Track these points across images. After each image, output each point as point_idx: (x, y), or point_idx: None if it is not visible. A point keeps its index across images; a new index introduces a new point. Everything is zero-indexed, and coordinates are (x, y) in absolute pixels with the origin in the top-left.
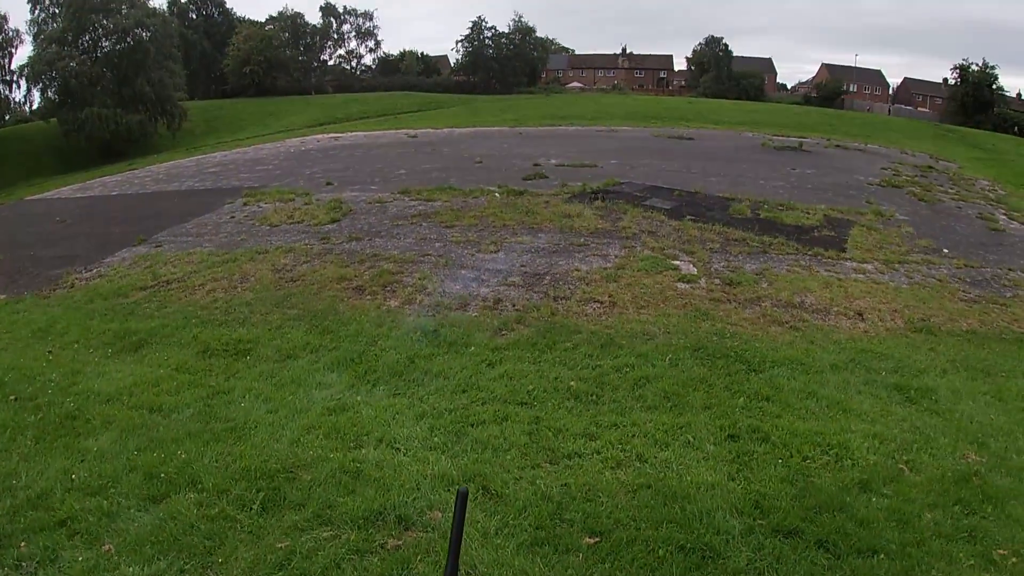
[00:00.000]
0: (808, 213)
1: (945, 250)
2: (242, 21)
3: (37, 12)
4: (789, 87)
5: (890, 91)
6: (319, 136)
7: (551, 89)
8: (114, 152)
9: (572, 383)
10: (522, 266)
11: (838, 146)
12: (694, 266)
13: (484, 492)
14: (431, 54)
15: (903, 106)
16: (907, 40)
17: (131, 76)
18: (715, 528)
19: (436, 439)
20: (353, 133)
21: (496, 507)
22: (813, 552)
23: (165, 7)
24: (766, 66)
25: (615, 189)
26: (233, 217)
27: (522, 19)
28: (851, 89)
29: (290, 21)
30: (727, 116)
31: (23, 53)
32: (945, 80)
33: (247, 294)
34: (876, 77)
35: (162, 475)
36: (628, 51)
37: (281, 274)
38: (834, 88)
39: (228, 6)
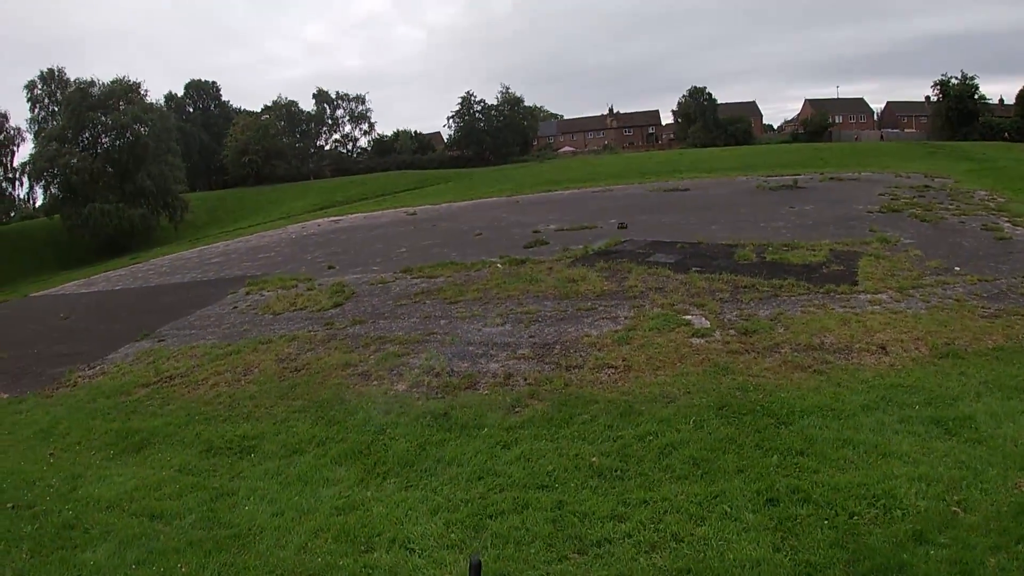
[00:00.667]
0: (813, 250)
1: (956, 268)
2: (238, 112)
3: (37, 110)
4: (776, 127)
5: (875, 117)
6: (319, 220)
7: (544, 155)
8: (118, 246)
9: (594, 459)
10: (530, 337)
11: (832, 178)
12: (706, 319)
13: None
14: (424, 132)
15: (890, 129)
16: (884, 65)
17: (132, 171)
18: None
19: (453, 535)
20: (353, 215)
21: None
22: None
23: (162, 102)
24: (751, 109)
25: (617, 249)
26: (236, 307)
27: (509, 90)
28: (837, 120)
29: (285, 109)
30: (719, 163)
31: (24, 151)
32: (927, 98)
33: (251, 387)
34: (860, 105)
35: None
36: (615, 110)
37: (285, 364)
38: (820, 122)
39: (224, 98)
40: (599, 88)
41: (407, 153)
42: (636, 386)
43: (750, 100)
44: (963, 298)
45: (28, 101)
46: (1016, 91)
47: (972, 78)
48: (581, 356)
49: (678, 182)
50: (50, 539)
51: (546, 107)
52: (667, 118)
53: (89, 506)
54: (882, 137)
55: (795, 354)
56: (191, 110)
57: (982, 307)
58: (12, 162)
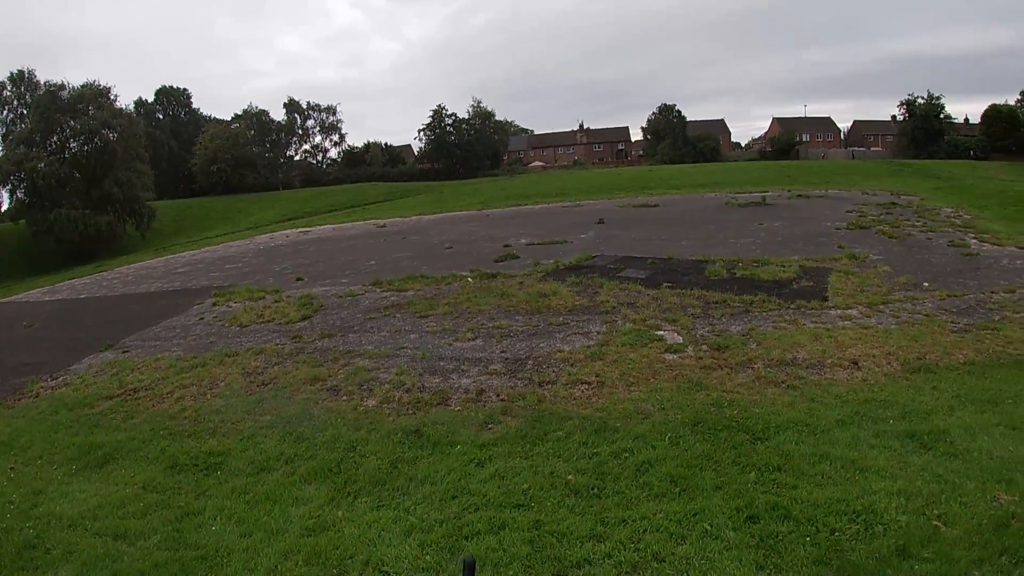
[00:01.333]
0: (783, 266)
1: (925, 283)
2: (208, 120)
3: (5, 112)
4: (744, 145)
5: (842, 135)
6: (288, 231)
7: (514, 170)
8: (83, 253)
9: (570, 476)
10: (502, 352)
11: (800, 195)
12: (679, 334)
13: None
14: (395, 144)
15: (857, 148)
16: (851, 85)
17: (99, 177)
18: None
19: (428, 558)
20: (322, 226)
21: None
22: None
23: (132, 107)
24: (720, 127)
25: (588, 263)
26: (202, 318)
27: (481, 104)
28: (804, 139)
29: (255, 118)
30: (688, 180)
31: None
32: (894, 117)
33: (217, 401)
34: (827, 124)
35: None
36: (585, 127)
37: (252, 378)
38: (787, 140)
39: (194, 105)
40: (570, 105)
41: (377, 165)
42: (610, 402)
43: (719, 118)
44: (933, 313)
45: None
46: (981, 110)
47: (938, 98)
48: (554, 372)
49: (648, 198)
50: (10, 559)
51: (517, 122)
52: (637, 135)
53: (51, 524)
54: (853, 156)
55: (768, 369)
56: (161, 117)
57: (951, 322)
58: None
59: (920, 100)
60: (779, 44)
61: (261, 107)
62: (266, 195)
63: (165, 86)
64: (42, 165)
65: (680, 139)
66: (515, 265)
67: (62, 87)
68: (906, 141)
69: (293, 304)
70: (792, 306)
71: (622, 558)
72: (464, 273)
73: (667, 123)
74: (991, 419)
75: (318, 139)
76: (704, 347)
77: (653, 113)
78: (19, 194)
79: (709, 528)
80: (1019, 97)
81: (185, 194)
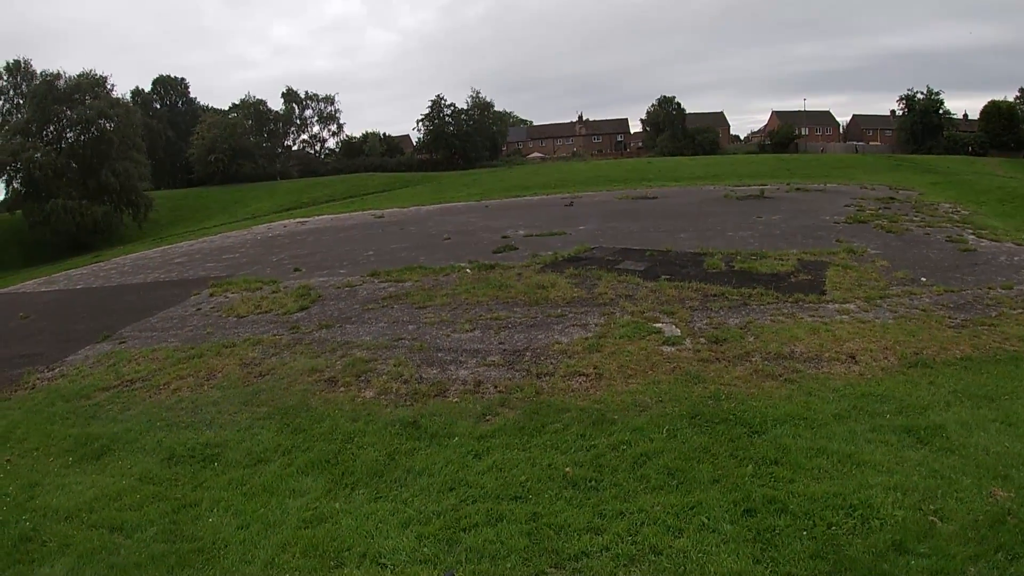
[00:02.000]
0: (782, 260)
1: (923, 278)
2: (206, 109)
3: (2, 102)
4: (743, 138)
5: (841, 129)
6: (286, 221)
7: (513, 161)
8: (80, 244)
9: (567, 469)
10: (500, 343)
11: (799, 189)
12: (677, 327)
13: None
14: (393, 134)
15: (857, 142)
16: (851, 79)
17: (96, 167)
18: None
19: (425, 549)
20: (320, 216)
21: None
22: None
23: (129, 97)
24: (719, 120)
25: (587, 255)
26: (199, 309)
27: (480, 95)
28: (803, 132)
29: (253, 108)
30: (686, 172)
31: None
32: (893, 112)
33: (214, 392)
34: (826, 118)
35: None
36: (584, 118)
37: (249, 369)
38: (786, 133)
39: (192, 95)
40: (569, 96)
41: (376, 155)
42: (608, 394)
43: (718, 111)
44: (930, 308)
45: None
46: (980, 107)
47: (937, 93)
48: (552, 363)
49: (646, 190)
50: (6, 552)
51: (516, 113)
52: (636, 126)
53: (47, 517)
54: (857, 150)
55: (766, 363)
56: (158, 106)
57: (949, 317)
58: None
59: (919, 95)
60: (778, 37)
61: (258, 97)
62: (264, 185)
63: (162, 75)
64: (39, 155)
65: (679, 131)
66: (513, 256)
67: (58, 76)
68: (905, 136)
69: (291, 295)
70: (790, 300)
71: (620, 551)
72: (462, 264)
73: (666, 115)
74: (987, 415)
75: (316, 129)
76: (702, 340)
77: (652, 105)
78: (15, 184)
79: (706, 521)
80: (1018, 94)
81: (183, 184)
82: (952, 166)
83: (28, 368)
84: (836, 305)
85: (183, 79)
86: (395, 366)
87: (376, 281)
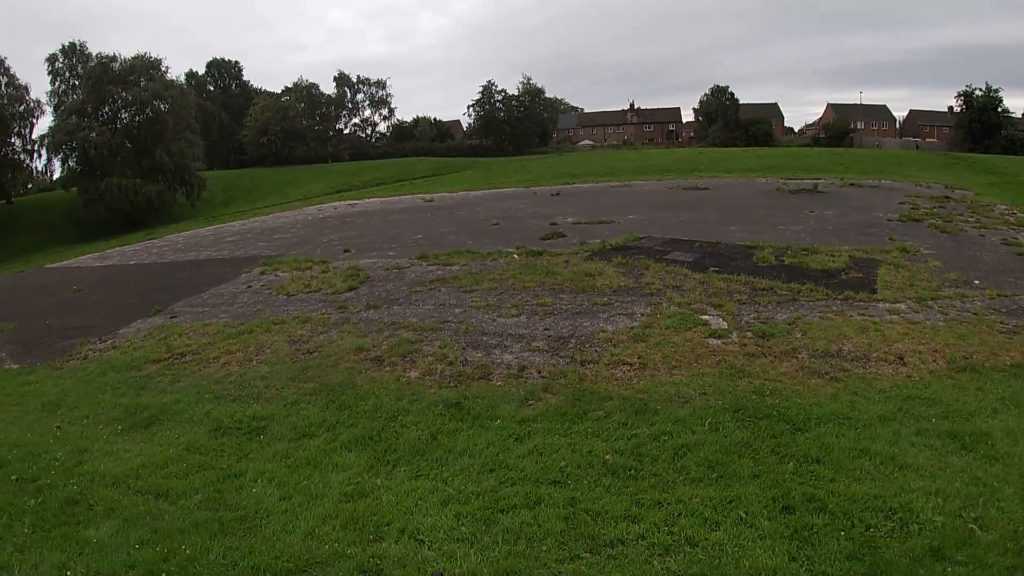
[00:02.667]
0: (833, 256)
1: (976, 281)
2: (259, 92)
3: (58, 83)
4: (797, 130)
5: (897, 125)
6: (336, 203)
7: (562, 148)
8: (134, 221)
9: (607, 456)
10: (545, 329)
11: (852, 184)
12: (724, 320)
13: None
14: (444, 119)
15: (912, 138)
16: (909, 72)
17: (150, 147)
18: None
19: (463, 528)
20: (369, 199)
21: None
22: None
23: (183, 79)
24: (773, 111)
25: (635, 244)
26: (250, 287)
27: (531, 81)
28: (858, 126)
29: (306, 92)
30: (738, 163)
31: (44, 123)
32: (950, 108)
33: (262, 367)
34: (882, 112)
35: (163, 575)
36: (636, 106)
37: (297, 346)
38: (841, 127)
39: (245, 78)
40: (620, 84)
41: (426, 140)
42: (651, 384)
43: (772, 102)
44: (982, 312)
45: (49, 74)
46: None
47: (996, 90)
48: (596, 351)
49: (697, 180)
50: (53, 514)
51: (566, 100)
52: (688, 116)
53: (94, 482)
54: (917, 146)
55: (812, 360)
56: (212, 89)
57: (1000, 322)
58: (31, 134)
59: (978, 92)
60: (836, 27)
61: (311, 80)
62: (315, 167)
63: (216, 58)
64: (94, 135)
65: (732, 122)
66: (561, 243)
67: (113, 59)
68: (962, 133)
69: (340, 275)
70: (840, 297)
71: (655, 540)
72: (510, 249)
73: (719, 105)
74: None
75: (367, 113)
76: (749, 334)
77: (705, 94)
78: (71, 163)
79: (744, 516)
80: None
81: (235, 165)
82: (1010, 166)
83: (81, 339)
84: (886, 304)
85: (237, 62)
86: (440, 348)
87: (424, 264)
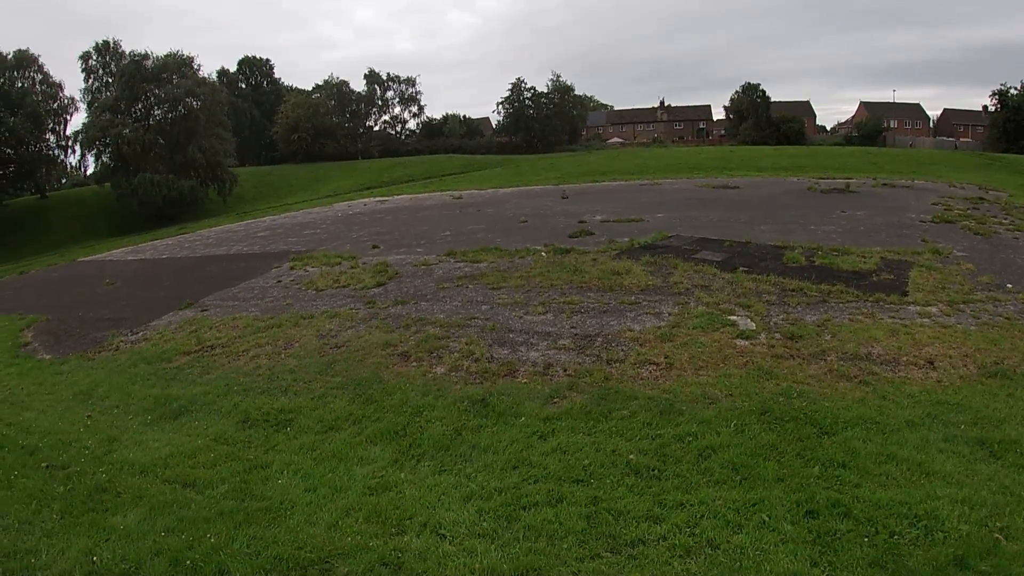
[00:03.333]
0: (864, 257)
1: (1009, 285)
2: (290, 90)
3: (91, 81)
4: (829, 128)
5: (931, 124)
6: (366, 200)
7: (592, 145)
8: (166, 216)
9: (631, 456)
10: (572, 328)
11: (885, 184)
12: (752, 321)
13: None
14: (473, 116)
15: (945, 138)
16: (944, 71)
17: (182, 143)
18: None
19: (485, 524)
20: (399, 196)
21: None
22: None
23: (215, 77)
24: (804, 109)
25: (663, 243)
26: (280, 281)
27: (560, 78)
28: (891, 125)
29: (336, 89)
30: (769, 162)
31: (77, 120)
32: (984, 107)
33: (291, 361)
34: (915, 111)
35: (188, 562)
36: (666, 103)
37: (325, 340)
38: (874, 126)
39: (276, 75)
40: (650, 81)
41: (455, 137)
42: (677, 384)
43: (804, 100)
44: (1014, 317)
45: (83, 71)
46: None
47: None
48: (623, 350)
49: (728, 179)
50: (82, 501)
51: (596, 97)
52: (719, 113)
53: (123, 470)
54: (956, 146)
55: (841, 363)
56: (243, 86)
57: None
58: (65, 130)
59: (1013, 91)
60: (869, 23)
61: (341, 78)
62: (345, 164)
63: (248, 56)
64: (127, 131)
65: (763, 120)
66: (589, 241)
67: (146, 57)
68: (996, 133)
69: (368, 271)
70: (871, 299)
71: (676, 542)
72: (538, 247)
73: (750, 103)
74: None
75: (397, 110)
76: (777, 335)
77: (736, 92)
78: (104, 158)
79: (767, 519)
80: None
81: (266, 161)
82: None
83: (113, 331)
84: (918, 307)
85: (268, 60)
86: (467, 344)
87: (452, 261)
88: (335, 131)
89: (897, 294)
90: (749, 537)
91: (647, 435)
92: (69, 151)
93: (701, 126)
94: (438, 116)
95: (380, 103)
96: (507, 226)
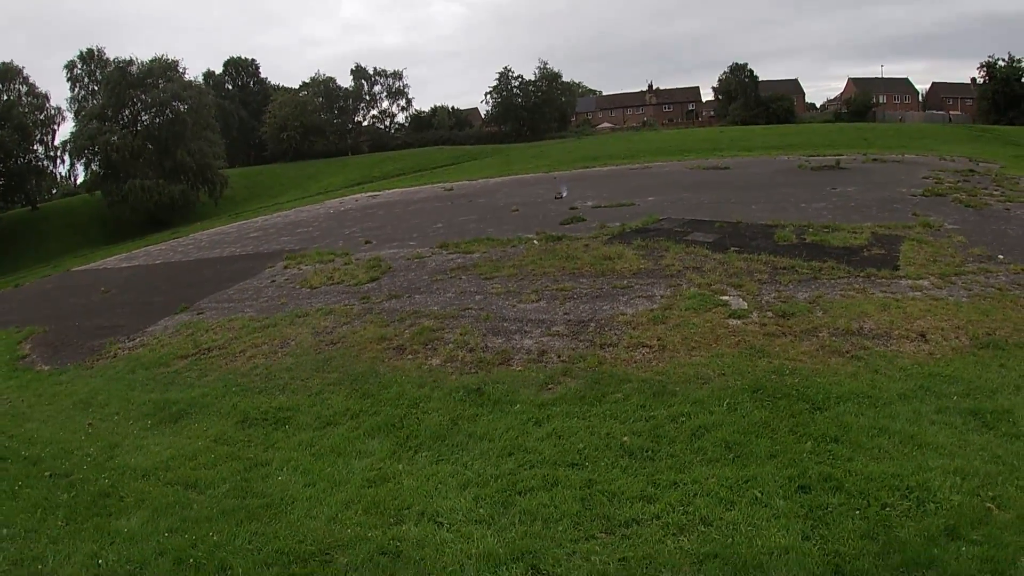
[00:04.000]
0: (855, 233)
1: (1000, 256)
2: (277, 89)
3: (77, 90)
4: (819, 106)
5: (920, 98)
6: (357, 196)
7: (582, 132)
8: (158, 221)
9: (625, 438)
10: (565, 314)
11: (875, 160)
12: (744, 300)
13: (535, 573)
14: (462, 107)
15: (936, 111)
16: (931, 44)
17: (171, 147)
18: None
19: (481, 510)
20: (390, 190)
21: None
22: None
23: (201, 80)
24: (793, 87)
25: (655, 227)
26: (274, 281)
27: (547, 65)
28: (881, 100)
29: (323, 86)
30: (759, 142)
31: (65, 129)
32: (973, 80)
33: (287, 359)
34: (904, 86)
35: (191, 560)
36: (655, 87)
37: (321, 337)
38: (863, 101)
39: (262, 75)
40: (639, 65)
41: (444, 129)
42: (670, 366)
43: (792, 78)
44: (1006, 288)
45: (68, 81)
46: None
47: (1020, 61)
48: (616, 334)
49: (718, 160)
50: (85, 507)
51: (585, 83)
52: (707, 95)
53: (125, 475)
54: (950, 119)
55: (833, 339)
56: (230, 87)
57: None
58: (53, 140)
59: (1001, 63)
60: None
61: (328, 75)
62: (335, 160)
63: (233, 57)
64: (115, 138)
65: (752, 99)
66: (581, 228)
67: (131, 63)
68: (986, 105)
69: (362, 266)
70: (862, 274)
71: (670, 520)
72: (530, 235)
73: (738, 83)
74: None
75: (385, 104)
76: (769, 313)
77: (724, 73)
78: (94, 166)
79: (759, 496)
80: None
81: (256, 162)
82: None
83: (110, 339)
84: (909, 281)
85: (253, 60)
86: (461, 335)
87: (445, 253)
88: (324, 128)
89: (888, 268)
90: (742, 513)
91: (641, 417)
92: (58, 161)
93: (690, 108)
94: (427, 108)
95: (368, 98)
96: (499, 216)
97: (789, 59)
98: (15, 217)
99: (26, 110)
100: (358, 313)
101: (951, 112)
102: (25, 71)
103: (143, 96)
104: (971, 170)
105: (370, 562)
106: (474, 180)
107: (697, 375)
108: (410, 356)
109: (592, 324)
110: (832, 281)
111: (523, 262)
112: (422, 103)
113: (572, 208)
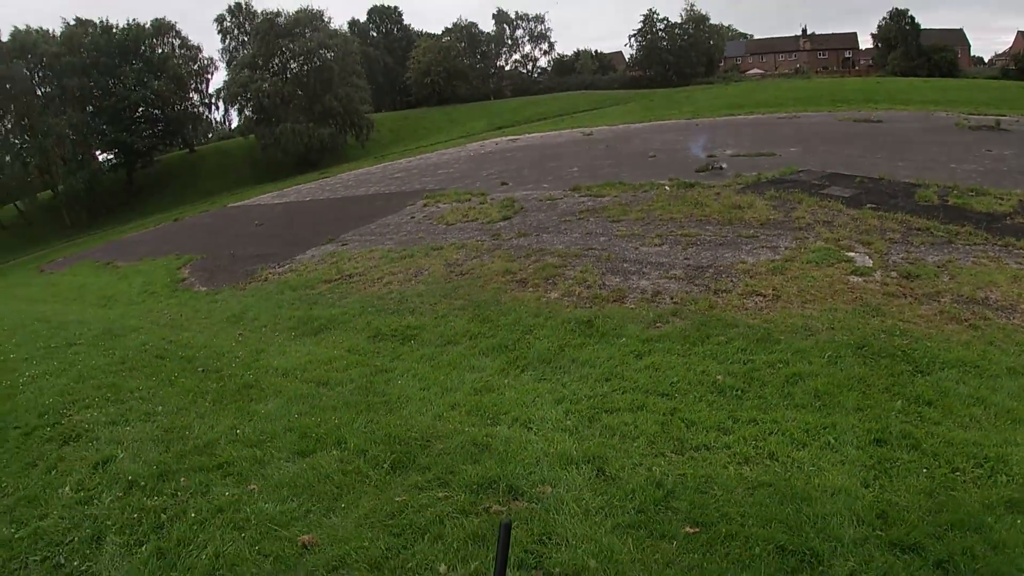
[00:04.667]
0: (1002, 199)
1: None
2: (420, 35)
3: (228, 41)
4: (986, 60)
5: None
6: (497, 139)
7: (730, 77)
8: (308, 162)
9: (719, 377)
10: (685, 259)
11: None
12: (870, 258)
13: (599, 474)
14: (605, 51)
15: None
16: None
17: (319, 93)
18: (826, 534)
19: (569, 422)
20: (530, 135)
21: (606, 488)
22: (929, 572)
23: (346, 28)
24: (957, 38)
25: (792, 178)
26: (413, 217)
27: (694, 7)
28: None
29: (465, 31)
30: (918, 95)
31: (218, 78)
32: None
33: (419, 286)
34: None
35: (313, 435)
36: (809, 32)
37: (452, 268)
38: None
39: (406, 22)
40: (792, 7)
41: (587, 73)
42: (780, 316)
43: (957, 28)
44: None
45: (219, 33)
46: None
47: None
48: (732, 281)
49: (871, 113)
50: (231, 394)
51: (734, 26)
52: (866, 42)
53: (268, 373)
54: None
55: (954, 305)
56: (374, 35)
57: None
58: (208, 88)
59: None
60: None
61: (469, 20)
62: (478, 105)
63: (377, 5)
64: (266, 85)
65: (913, 49)
66: (716, 176)
67: (278, 14)
68: None
69: (495, 206)
70: (1000, 243)
71: (739, 450)
72: (662, 182)
73: (899, 30)
74: None
75: (528, 48)
76: (893, 274)
77: (883, 19)
78: (247, 112)
79: (832, 441)
80: None
81: (402, 106)
82: None
83: (261, 265)
84: None
85: (396, 7)
86: (581, 272)
87: (576, 195)
88: (467, 73)
89: None
90: (810, 454)
91: (739, 360)
92: (213, 107)
93: (847, 55)
94: (569, 53)
95: (510, 42)
96: (635, 161)
97: (954, 7)
98: (174, 159)
99: (180, 62)
100: (488, 248)
101: None
102: (177, 25)
103: (291, 45)
104: None
105: (461, 450)
106: (614, 125)
107: (805, 326)
108: (531, 289)
109: (710, 270)
110: (967, 247)
111: (652, 207)
112: (565, 47)
113: (710, 156)
